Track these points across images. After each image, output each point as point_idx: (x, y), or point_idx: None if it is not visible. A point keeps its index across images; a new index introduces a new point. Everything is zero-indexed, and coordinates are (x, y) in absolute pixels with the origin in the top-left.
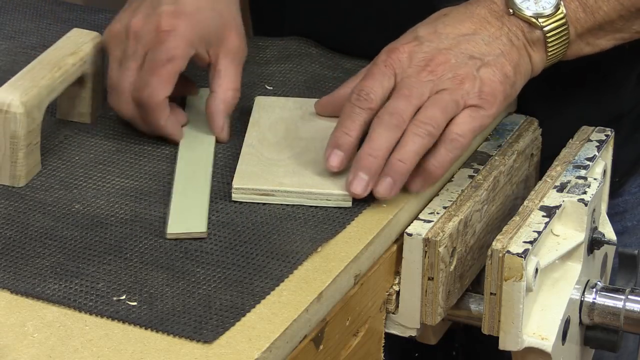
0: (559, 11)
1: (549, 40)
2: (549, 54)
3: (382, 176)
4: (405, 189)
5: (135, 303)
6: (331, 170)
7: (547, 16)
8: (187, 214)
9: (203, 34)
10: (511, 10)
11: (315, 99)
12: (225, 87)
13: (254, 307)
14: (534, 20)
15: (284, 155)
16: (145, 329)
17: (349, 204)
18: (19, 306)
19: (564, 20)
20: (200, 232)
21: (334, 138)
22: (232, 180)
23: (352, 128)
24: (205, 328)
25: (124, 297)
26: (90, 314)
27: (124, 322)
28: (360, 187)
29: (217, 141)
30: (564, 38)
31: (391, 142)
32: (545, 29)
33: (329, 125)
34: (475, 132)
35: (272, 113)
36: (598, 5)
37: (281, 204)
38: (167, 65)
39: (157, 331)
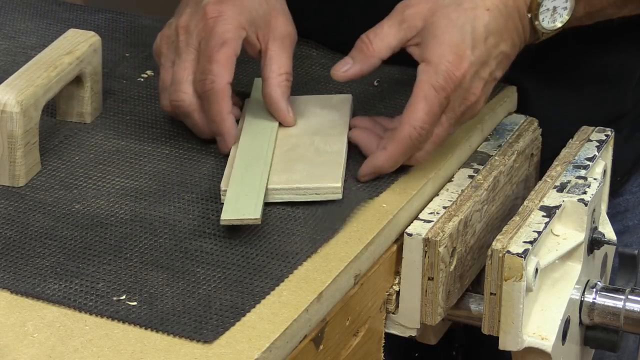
0: (564, 21)
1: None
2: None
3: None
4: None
5: (135, 303)
6: (337, 76)
7: (550, 31)
8: (241, 201)
9: (251, 17)
10: (529, 15)
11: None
12: (277, 72)
13: (254, 307)
14: (540, 31)
15: (273, 158)
16: (145, 329)
17: (339, 196)
18: (19, 306)
19: (561, 25)
20: (254, 219)
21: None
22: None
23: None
24: (205, 328)
25: (123, 297)
26: (90, 314)
27: (123, 322)
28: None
29: (284, 125)
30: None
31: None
32: (542, 38)
33: (318, 122)
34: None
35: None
36: (603, 10)
37: (280, 203)
38: (222, 49)
39: (157, 331)
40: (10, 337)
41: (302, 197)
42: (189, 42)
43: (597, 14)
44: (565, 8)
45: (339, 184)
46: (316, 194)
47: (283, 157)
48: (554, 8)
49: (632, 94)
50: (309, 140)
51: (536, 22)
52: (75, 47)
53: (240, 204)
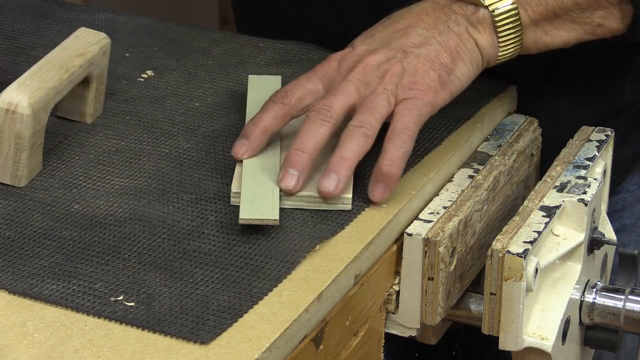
0: None
1: (498, 21)
2: (501, 38)
3: (325, 173)
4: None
5: (132, 303)
6: (236, 157)
7: None
8: (258, 201)
9: None
10: None
11: None
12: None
13: (251, 307)
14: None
15: (282, 157)
16: (143, 329)
17: (349, 207)
18: (19, 306)
19: (512, 2)
20: (273, 220)
21: (244, 128)
22: (230, 181)
23: (261, 119)
24: (202, 329)
25: (121, 297)
26: (88, 315)
27: (121, 323)
28: (290, 182)
29: None
30: (514, 19)
31: (318, 138)
32: (491, 7)
33: None
34: (417, 121)
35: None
36: None
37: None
38: None
39: (154, 332)
40: (10, 337)
41: (312, 206)
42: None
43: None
44: None
45: (350, 195)
46: (327, 203)
47: None
48: None
49: (629, 92)
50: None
51: None
52: (87, 49)
53: (258, 204)
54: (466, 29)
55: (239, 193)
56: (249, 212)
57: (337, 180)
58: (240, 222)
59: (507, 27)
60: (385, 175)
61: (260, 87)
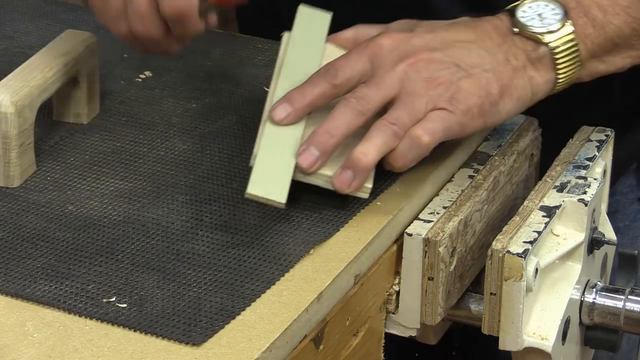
0: (566, 27)
1: (558, 58)
2: (560, 73)
3: (343, 168)
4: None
5: (125, 305)
6: (273, 120)
7: (554, 32)
8: (270, 176)
9: None
10: (516, 29)
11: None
12: None
13: (244, 309)
14: (539, 36)
15: (305, 129)
16: (134, 331)
17: (366, 196)
18: (19, 306)
19: (572, 36)
20: (279, 202)
21: (288, 94)
22: (226, 182)
23: (309, 92)
24: (194, 330)
25: (114, 298)
26: (80, 316)
27: (112, 324)
28: (308, 160)
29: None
30: (574, 56)
31: (350, 126)
32: (552, 44)
33: None
34: (440, 133)
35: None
36: (608, 20)
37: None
38: None
39: (145, 333)
40: (10, 337)
41: (328, 186)
42: None
43: (608, 28)
44: (556, 13)
45: (370, 185)
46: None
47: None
48: (540, 15)
49: (622, 94)
50: None
51: (521, 25)
52: (72, 48)
53: (269, 179)
54: (524, 65)
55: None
56: (257, 188)
57: (352, 178)
58: (246, 196)
59: (566, 63)
60: (387, 164)
61: (308, 23)
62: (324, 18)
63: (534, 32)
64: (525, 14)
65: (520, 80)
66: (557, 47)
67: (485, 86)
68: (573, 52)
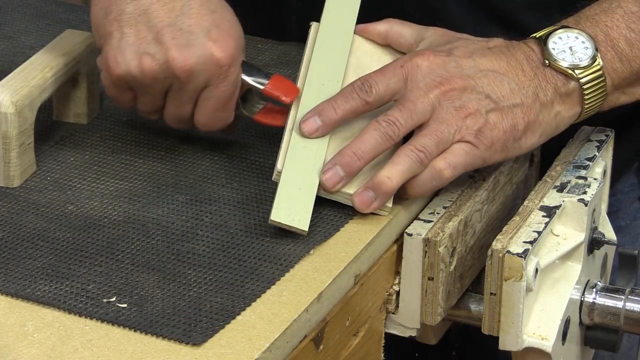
0: (596, 62)
1: (586, 92)
2: (586, 106)
3: (365, 188)
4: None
5: (125, 305)
6: (303, 133)
7: (584, 68)
8: (294, 201)
9: (241, 45)
10: (547, 62)
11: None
12: None
13: (244, 309)
14: (570, 71)
15: (330, 144)
16: (135, 331)
17: (386, 214)
18: (19, 306)
19: (600, 72)
20: (302, 230)
21: (319, 106)
22: (225, 183)
23: (341, 107)
24: (195, 330)
25: (114, 298)
26: (80, 316)
27: (112, 324)
28: (333, 180)
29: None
30: (601, 90)
31: (378, 149)
32: (582, 80)
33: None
34: (463, 168)
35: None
36: (634, 54)
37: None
38: (233, 97)
39: (146, 333)
40: (10, 337)
41: (349, 203)
42: (187, 91)
43: (634, 62)
44: (586, 47)
45: (390, 205)
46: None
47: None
48: (570, 48)
49: None
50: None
51: (549, 59)
52: (72, 48)
53: (292, 205)
54: (552, 100)
55: (281, 174)
56: (281, 215)
57: (374, 199)
58: (270, 222)
59: (592, 97)
60: (405, 191)
61: (338, 7)
62: (354, 2)
63: (565, 67)
64: (556, 45)
65: (546, 115)
66: (586, 82)
67: (512, 124)
68: (601, 87)
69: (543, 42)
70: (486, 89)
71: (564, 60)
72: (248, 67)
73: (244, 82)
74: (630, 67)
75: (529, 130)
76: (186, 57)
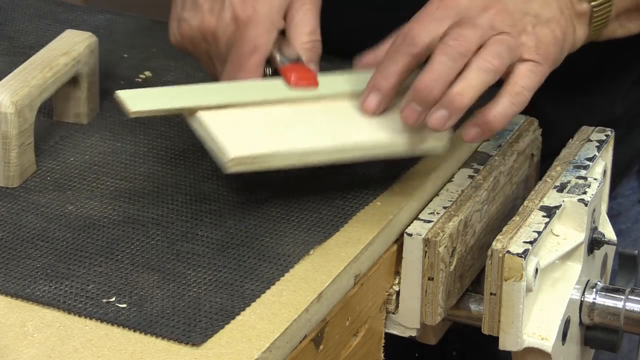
0: None
1: (595, 15)
2: (592, 29)
3: (437, 107)
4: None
5: (124, 305)
6: (367, 113)
7: None
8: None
9: (281, 5)
10: None
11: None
12: (298, 33)
13: (243, 309)
14: None
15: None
16: (134, 331)
17: (441, 144)
18: (19, 306)
19: None
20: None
21: (372, 81)
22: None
23: (393, 73)
24: (194, 331)
25: (113, 299)
26: (80, 316)
27: (112, 324)
28: (412, 118)
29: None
30: (606, 15)
31: (452, 73)
32: (593, 2)
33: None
34: (535, 88)
35: None
36: None
37: (276, 206)
38: (252, 57)
39: (145, 333)
40: (10, 337)
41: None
42: (219, 51)
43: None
44: None
45: (449, 136)
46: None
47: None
48: None
49: (625, 97)
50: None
51: None
52: (72, 48)
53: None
54: (571, 16)
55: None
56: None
57: (447, 118)
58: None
59: (599, 19)
60: (490, 125)
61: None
62: None
63: None
64: None
65: (570, 28)
66: (597, 5)
67: (553, 33)
68: (607, 11)
69: None
70: (522, 7)
71: None
72: (286, 45)
73: (272, 56)
74: None
75: (565, 41)
76: (211, 20)
